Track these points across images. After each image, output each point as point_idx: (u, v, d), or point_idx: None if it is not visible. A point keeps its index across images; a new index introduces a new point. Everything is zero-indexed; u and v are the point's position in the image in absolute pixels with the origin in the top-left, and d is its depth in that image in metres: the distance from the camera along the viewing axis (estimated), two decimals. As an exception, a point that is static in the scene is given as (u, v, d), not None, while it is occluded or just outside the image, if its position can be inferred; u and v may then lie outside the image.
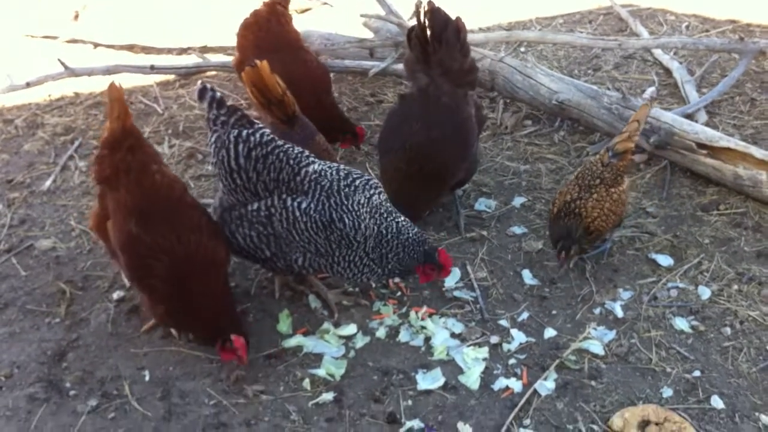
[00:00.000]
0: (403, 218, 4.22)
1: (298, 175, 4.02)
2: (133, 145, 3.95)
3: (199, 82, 4.08)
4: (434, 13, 4.79)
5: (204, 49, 7.10)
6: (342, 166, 4.19)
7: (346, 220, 4.01)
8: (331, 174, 4.08)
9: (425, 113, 4.76)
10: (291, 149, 4.06)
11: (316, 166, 4.07)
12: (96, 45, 7.30)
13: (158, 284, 3.87)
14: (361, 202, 4.07)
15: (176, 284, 3.87)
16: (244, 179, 4.00)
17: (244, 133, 3.97)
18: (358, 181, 4.11)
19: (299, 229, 4.01)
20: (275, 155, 3.99)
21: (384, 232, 4.12)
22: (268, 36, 5.57)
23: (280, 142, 4.04)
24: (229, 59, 6.68)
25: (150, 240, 3.84)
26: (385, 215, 4.14)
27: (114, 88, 3.94)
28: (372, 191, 4.14)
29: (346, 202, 4.02)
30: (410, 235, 4.18)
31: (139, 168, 3.93)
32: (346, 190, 4.05)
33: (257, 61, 4.71)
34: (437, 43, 4.79)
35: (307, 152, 4.14)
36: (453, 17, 4.84)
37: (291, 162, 4.01)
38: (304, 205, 3.99)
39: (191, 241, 3.91)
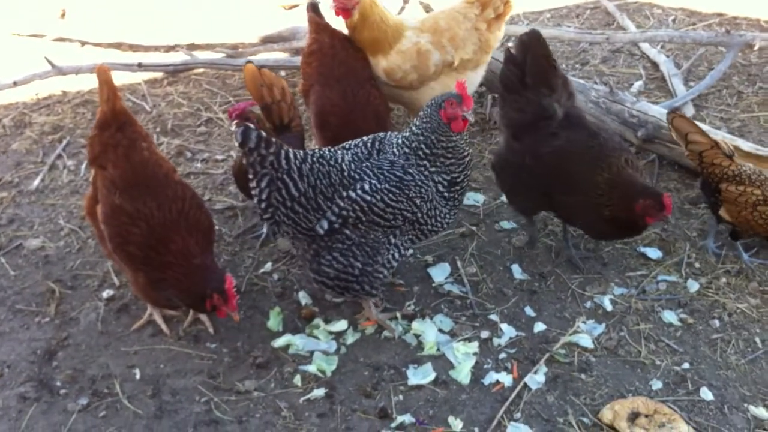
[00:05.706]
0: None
1: (343, 171, 3.91)
2: (124, 123, 4.04)
3: (234, 123, 3.81)
4: None
5: (192, 47, 7.09)
6: (356, 141, 4.08)
7: (411, 171, 3.93)
8: (361, 150, 4.00)
9: None
10: (318, 151, 3.95)
11: (346, 155, 3.97)
12: (83, 43, 7.29)
13: (135, 251, 3.91)
14: (397, 146, 3.99)
15: (152, 249, 3.90)
16: (304, 202, 3.85)
17: (290, 156, 3.82)
18: (377, 141, 4.04)
19: (379, 210, 3.90)
20: (317, 162, 3.88)
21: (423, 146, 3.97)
22: (333, 63, 5.22)
23: (309, 151, 3.94)
24: (217, 56, 6.68)
25: (131, 208, 3.91)
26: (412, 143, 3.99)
27: (102, 70, 4.03)
28: (393, 137, 4.06)
29: (393, 160, 3.95)
30: (421, 119, 3.99)
31: (127, 144, 4.02)
32: (380, 151, 4.00)
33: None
34: None
35: (329, 149, 4.01)
36: None
37: (331, 161, 3.91)
38: (367, 187, 3.89)
39: (172, 209, 3.97)
